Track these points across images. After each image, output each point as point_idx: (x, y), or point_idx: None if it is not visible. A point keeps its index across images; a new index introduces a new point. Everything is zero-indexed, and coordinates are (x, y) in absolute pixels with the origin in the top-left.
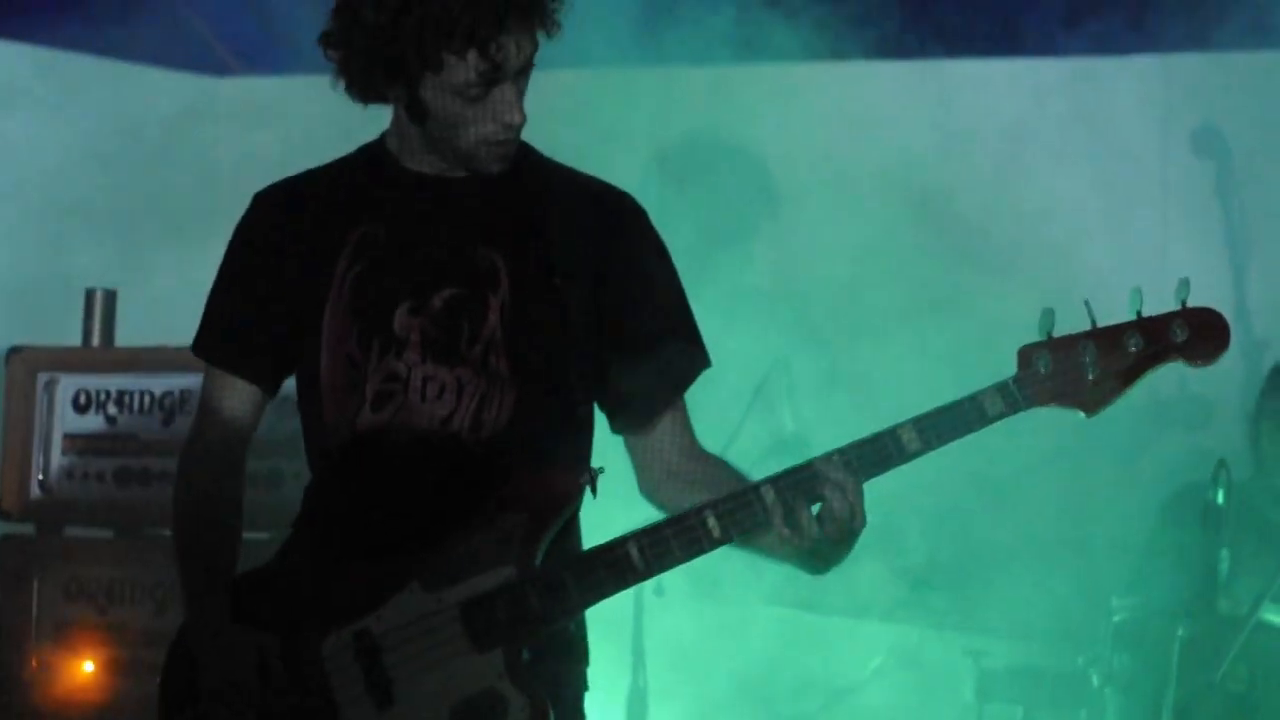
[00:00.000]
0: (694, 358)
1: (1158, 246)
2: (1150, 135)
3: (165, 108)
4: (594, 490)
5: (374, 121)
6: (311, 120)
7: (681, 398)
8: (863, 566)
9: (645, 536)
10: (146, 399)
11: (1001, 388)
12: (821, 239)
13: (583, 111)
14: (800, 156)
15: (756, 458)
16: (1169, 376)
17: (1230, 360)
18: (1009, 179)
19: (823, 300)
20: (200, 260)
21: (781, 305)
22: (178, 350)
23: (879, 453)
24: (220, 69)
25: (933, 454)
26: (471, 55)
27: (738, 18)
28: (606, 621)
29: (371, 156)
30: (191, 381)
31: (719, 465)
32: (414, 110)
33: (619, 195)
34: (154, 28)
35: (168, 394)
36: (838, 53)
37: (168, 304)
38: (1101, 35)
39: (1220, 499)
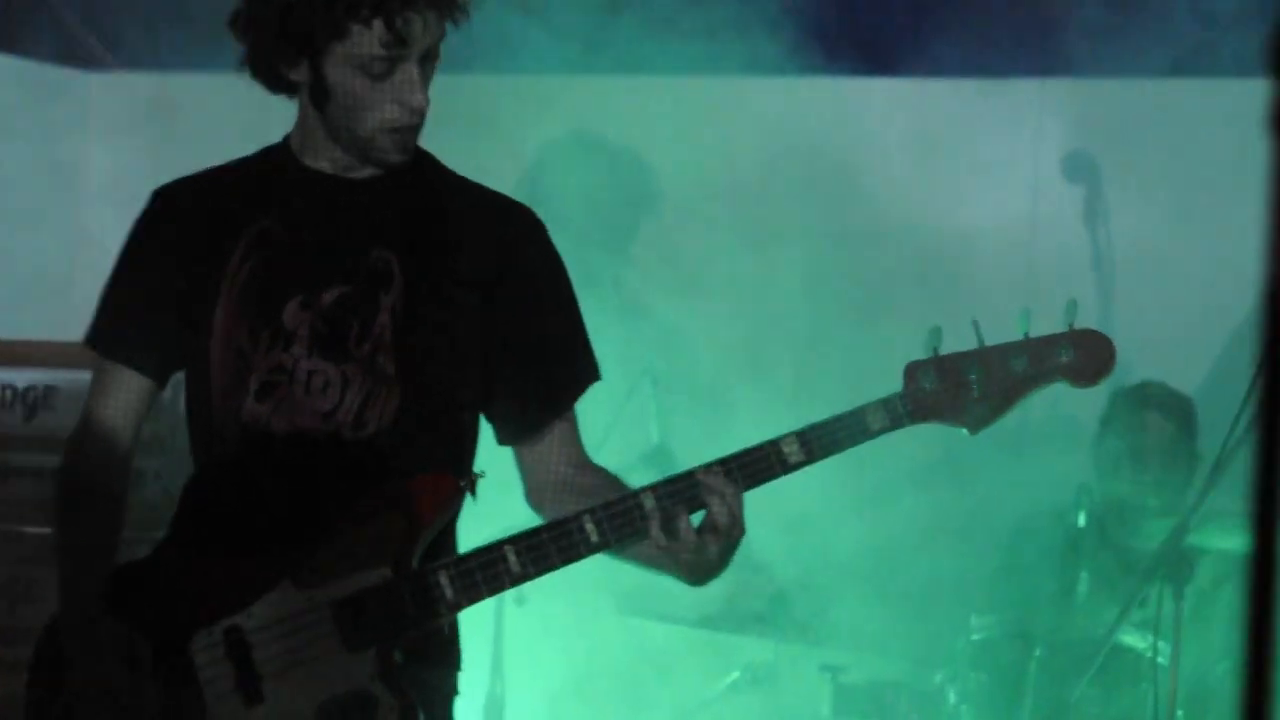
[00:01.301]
0: (583, 370)
1: (1027, 268)
2: (1021, 158)
3: (29, 100)
4: (473, 493)
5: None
6: (187, 118)
7: (571, 410)
8: (721, 579)
9: (522, 541)
10: (9, 393)
11: (886, 402)
12: (693, 252)
13: (459, 116)
14: (676, 166)
15: (620, 469)
16: (1038, 398)
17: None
18: (884, 199)
19: (696, 313)
20: (60, 254)
21: (651, 317)
22: (41, 344)
23: (760, 464)
24: (89, 63)
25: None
26: (378, 25)
27: (614, 28)
28: (466, 628)
29: (272, 155)
30: (55, 377)
31: (608, 478)
32: (318, 92)
33: (518, 207)
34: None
35: (30, 388)
36: (715, 66)
37: (29, 297)
38: (976, 58)
39: (1081, 521)
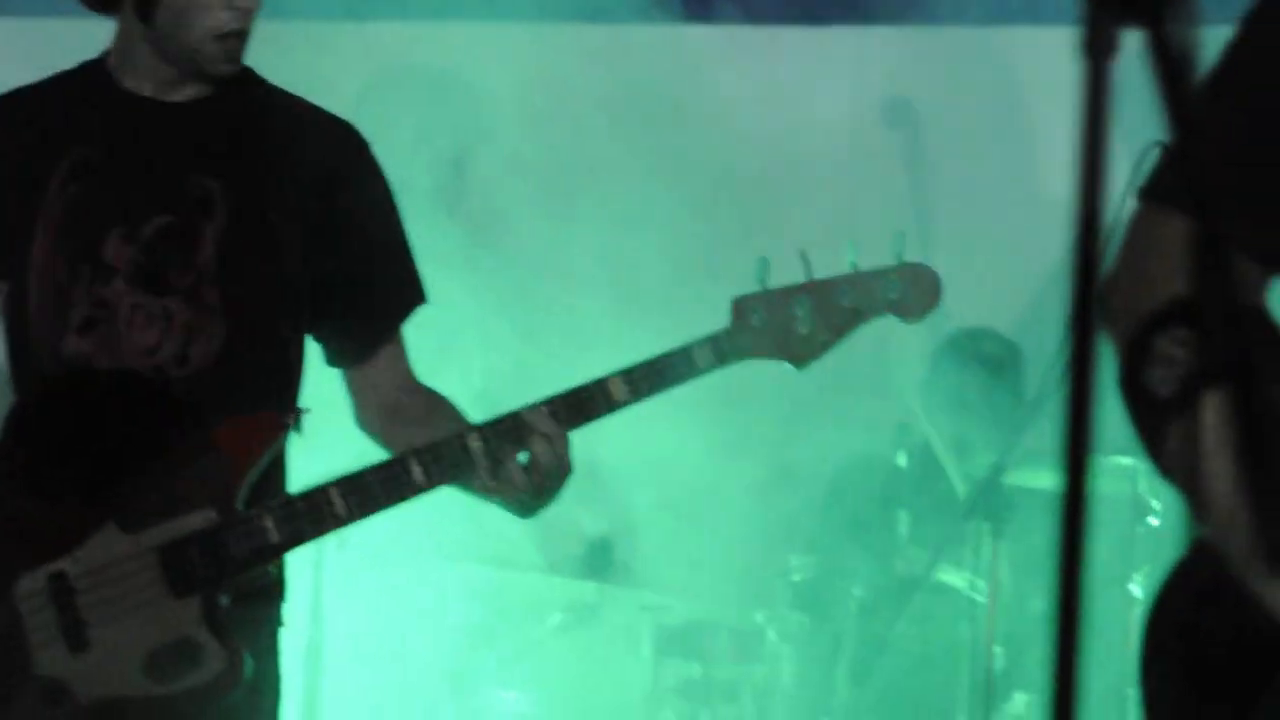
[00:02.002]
0: (410, 292)
1: (849, 213)
2: (842, 104)
3: None
4: (299, 430)
5: None
6: None
7: (399, 333)
8: (543, 522)
9: (348, 482)
10: None
11: (713, 339)
12: (523, 194)
13: (282, 64)
14: (497, 108)
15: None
16: (862, 337)
17: (915, 329)
18: (710, 142)
19: (522, 257)
20: None
21: (476, 261)
22: None
23: (587, 403)
24: None
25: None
26: None
27: None
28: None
29: (90, 75)
30: None
31: (437, 400)
32: (143, 1)
33: (343, 126)
34: None
35: None
36: (546, 13)
37: None
38: (798, 5)
39: (901, 461)
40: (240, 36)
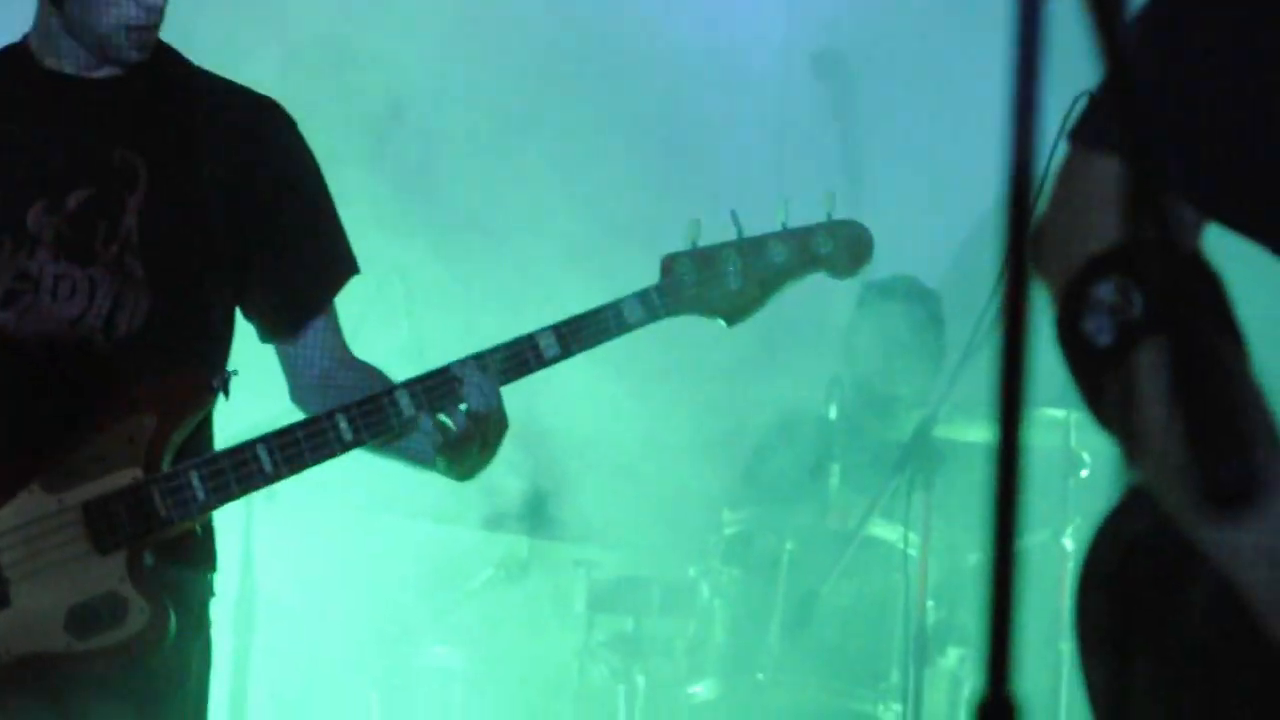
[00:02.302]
0: (341, 264)
1: (778, 166)
2: (773, 57)
3: None
4: (226, 393)
5: None
6: None
7: (331, 304)
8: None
9: (275, 439)
10: None
11: (643, 295)
12: (451, 147)
13: (199, 29)
14: (425, 69)
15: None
16: (792, 293)
17: (848, 281)
18: (641, 98)
19: (450, 208)
20: None
21: (404, 218)
22: None
23: (517, 358)
24: None
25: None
26: None
27: None
28: (216, 526)
29: (11, 56)
30: None
31: (371, 372)
32: None
33: (266, 101)
34: None
35: None
36: None
37: None
38: None
39: (832, 414)
40: (151, 29)
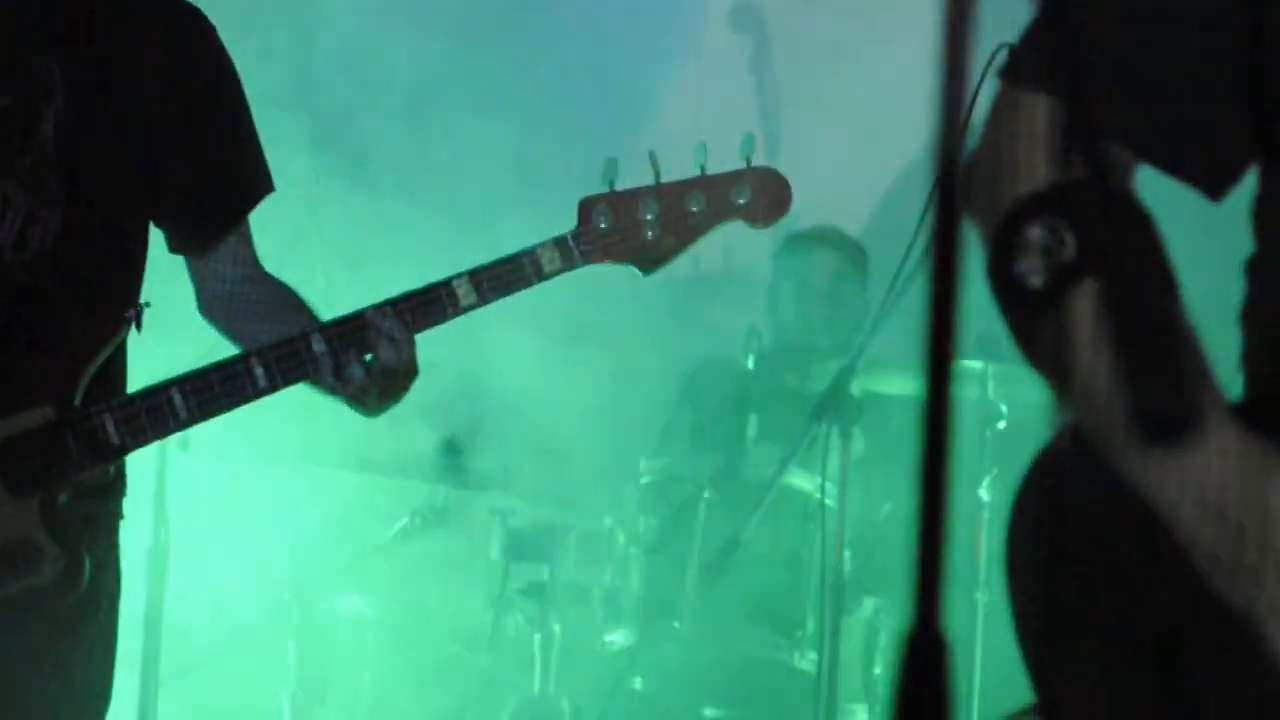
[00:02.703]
0: (259, 179)
1: (694, 118)
2: (690, 9)
3: None
4: (139, 326)
5: None
6: None
7: (245, 221)
8: (391, 426)
9: (189, 383)
10: None
11: (559, 241)
12: (371, 99)
13: None
14: (348, 14)
15: None
16: (711, 244)
17: (767, 231)
18: (561, 48)
19: (371, 160)
20: None
21: (325, 163)
22: None
23: (432, 304)
24: None
25: (463, 318)
26: None
27: None
28: (128, 475)
29: None
30: None
31: (282, 291)
32: None
33: (187, 9)
34: None
35: None
36: None
37: None
38: None
39: (750, 364)
40: None
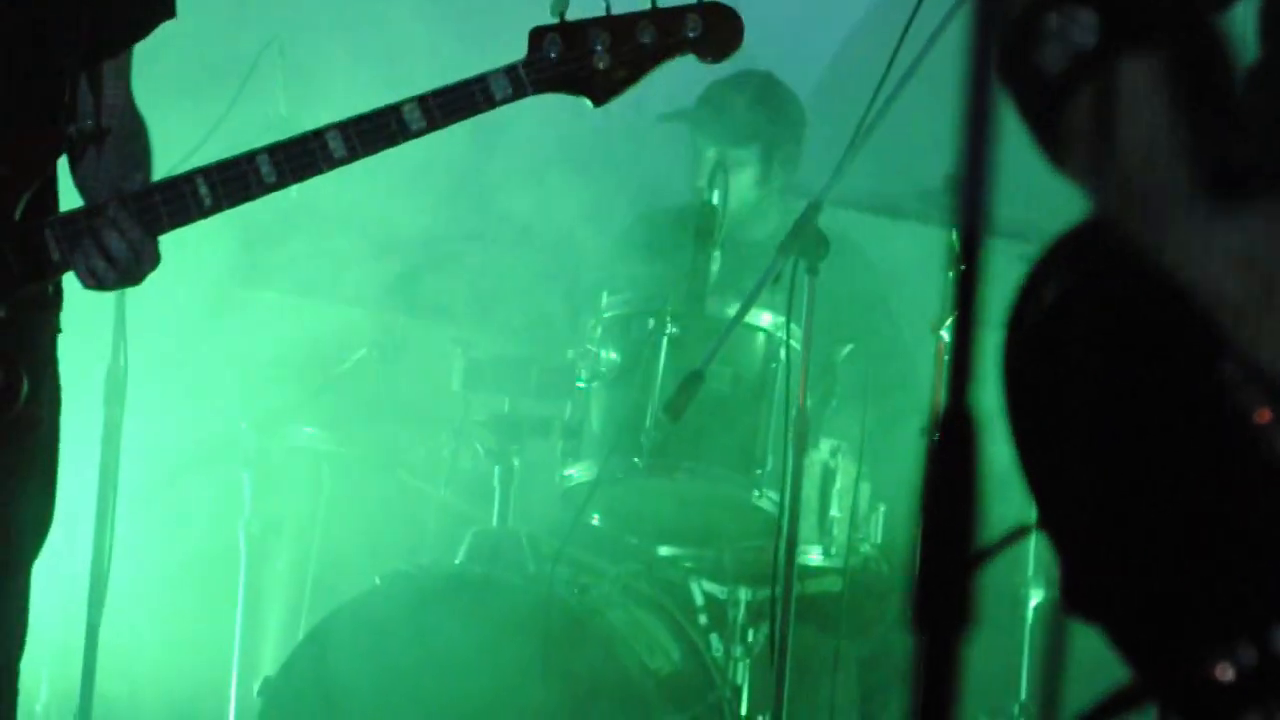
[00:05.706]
0: (158, 5)
1: None
2: None
3: None
4: (77, 146)
5: None
6: None
7: (130, 47)
8: (350, 255)
9: (132, 202)
10: None
11: (510, 70)
12: None
13: None
14: None
15: (250, 139)
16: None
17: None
18: None
19: None
20: None
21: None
22: None
23: (383, 128)
24: None
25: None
26: None
27: None
28: (86, 302)
29: None
30: None
31: (141, 127)
32: None
33: None
34: None
35: None
36: None
37: None
38: None
39: (715, 200)
40: None
